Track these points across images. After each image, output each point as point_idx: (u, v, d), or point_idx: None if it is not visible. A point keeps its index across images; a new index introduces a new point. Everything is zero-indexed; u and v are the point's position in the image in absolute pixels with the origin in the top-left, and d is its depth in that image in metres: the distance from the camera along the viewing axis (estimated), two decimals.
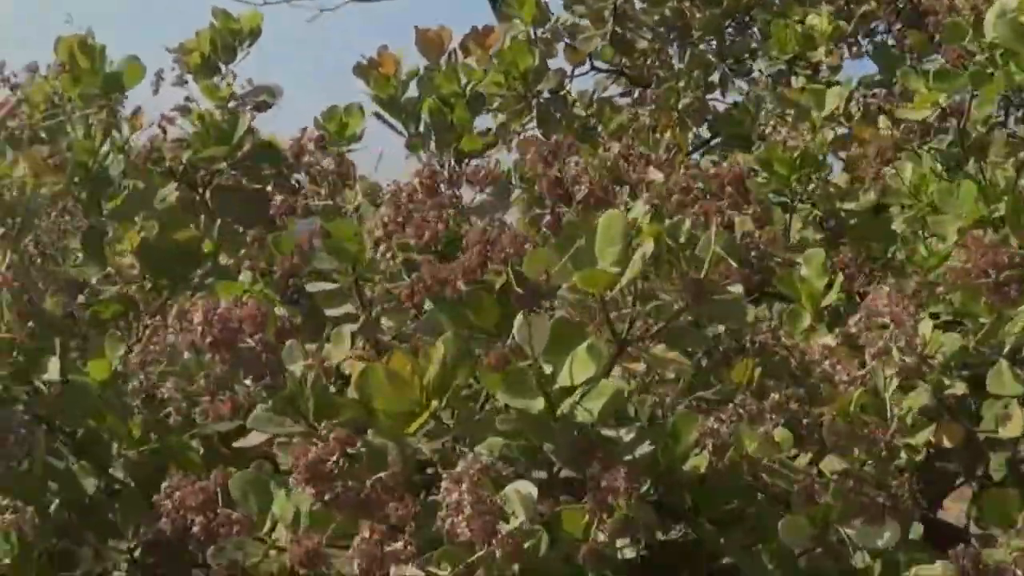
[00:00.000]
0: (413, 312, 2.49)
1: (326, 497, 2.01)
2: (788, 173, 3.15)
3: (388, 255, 2.29)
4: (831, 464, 2.46)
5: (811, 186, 3.18)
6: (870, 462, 2.39)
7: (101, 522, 2.50)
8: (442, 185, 2.22)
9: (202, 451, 2.67)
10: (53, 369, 2.45)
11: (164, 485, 2.13)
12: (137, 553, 2.55)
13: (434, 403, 2.15)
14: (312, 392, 2.22)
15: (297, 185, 3.66)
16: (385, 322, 2.58)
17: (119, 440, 2.60)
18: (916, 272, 2.97)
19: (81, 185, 2.77)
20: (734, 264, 2.15)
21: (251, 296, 2.91)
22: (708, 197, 2.26)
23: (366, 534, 1.82)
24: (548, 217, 2.12)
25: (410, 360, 2.19)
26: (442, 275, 2.18)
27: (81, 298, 2.91)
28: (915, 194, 2.93)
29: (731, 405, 2.47)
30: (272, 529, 2.20)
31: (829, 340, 2.78)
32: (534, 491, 2.00)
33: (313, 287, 2.65)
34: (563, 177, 2.08)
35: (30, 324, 2.43)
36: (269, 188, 3.63)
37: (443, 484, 1.93)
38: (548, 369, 2.08)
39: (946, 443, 2.77)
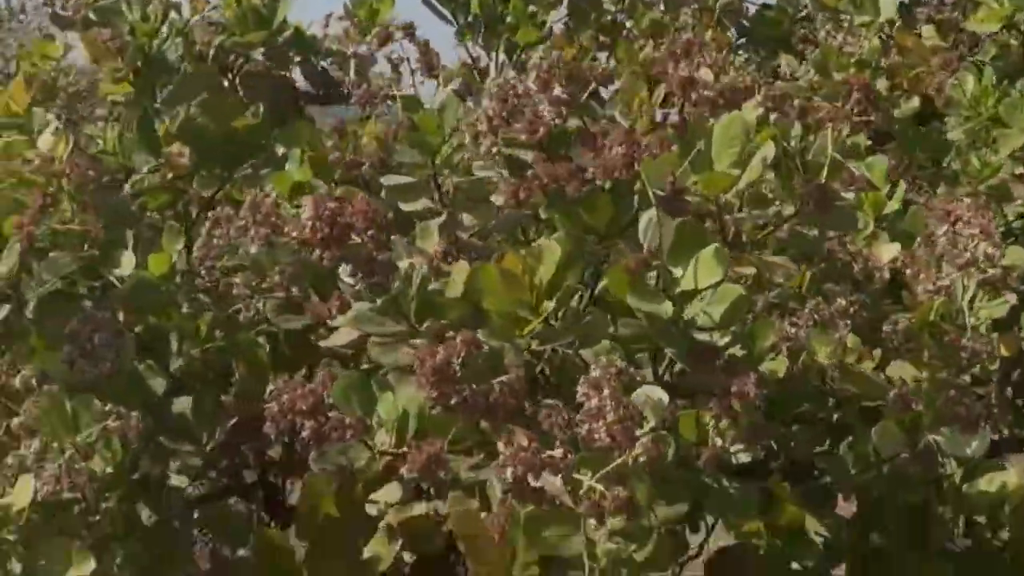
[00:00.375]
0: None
1: (453, 401, 1.96)
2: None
3: (494, 150, 2.21)
4: (900, 371, 2.47)
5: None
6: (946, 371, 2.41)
7: (173, 423, 2.42)
8: (558, 81, 2.14)
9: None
10: (127, 263, 2.35)
11: (270, 388, 2.06)
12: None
13: (548, 305, 2.10)
14: (417, 291, 2.16)
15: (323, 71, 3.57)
16: (467, 219, 2.53)
17: (185, 338, 2.51)
18: (970, 182, 2.98)
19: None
20: (856, 172, 2.13)
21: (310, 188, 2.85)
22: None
23: (523, 442, 1.78)
24: (675, 117, 2.06)
25: (522, 260, 2.14)
26: (559, 172, 2.11)
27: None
28: (975, 106, 2.92)
29: (806, 310, 2.46)
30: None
31: (893, 248, 2.78)
32: (664, 396, 1.97)
33: (388, 180, 2.57)
34: (694, 76, 2.03)
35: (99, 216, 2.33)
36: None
37: (580, 389, 1.89)
38: (678, 272, 2.04)
39: (1003, 352, 2.79)
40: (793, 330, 2.42)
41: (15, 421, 1.98)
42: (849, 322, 2.48)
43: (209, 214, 2.65)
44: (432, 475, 2.01)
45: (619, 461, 1.85)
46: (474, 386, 1.97)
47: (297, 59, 3.46)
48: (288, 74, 3.48)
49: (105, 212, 2.31)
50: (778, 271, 2.25)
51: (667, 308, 2.02)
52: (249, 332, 2.58)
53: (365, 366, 2.50)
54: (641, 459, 1.86)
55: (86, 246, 2.35)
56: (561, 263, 2.12)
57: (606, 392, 1.87)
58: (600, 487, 1.81)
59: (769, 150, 2.11)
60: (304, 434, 2.05)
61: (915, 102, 3.29)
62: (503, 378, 2.00)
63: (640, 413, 1.89)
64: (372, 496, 2.19)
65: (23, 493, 1.85)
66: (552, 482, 1.80)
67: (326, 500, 2.23)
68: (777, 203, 2.18)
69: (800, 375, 2.45)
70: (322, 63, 3.55)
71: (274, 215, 2.47)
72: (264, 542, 2.30)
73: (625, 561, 1.88)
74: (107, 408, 2.00)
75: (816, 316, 2.47)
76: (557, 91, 2.15)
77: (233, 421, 2.53)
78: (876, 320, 2.55)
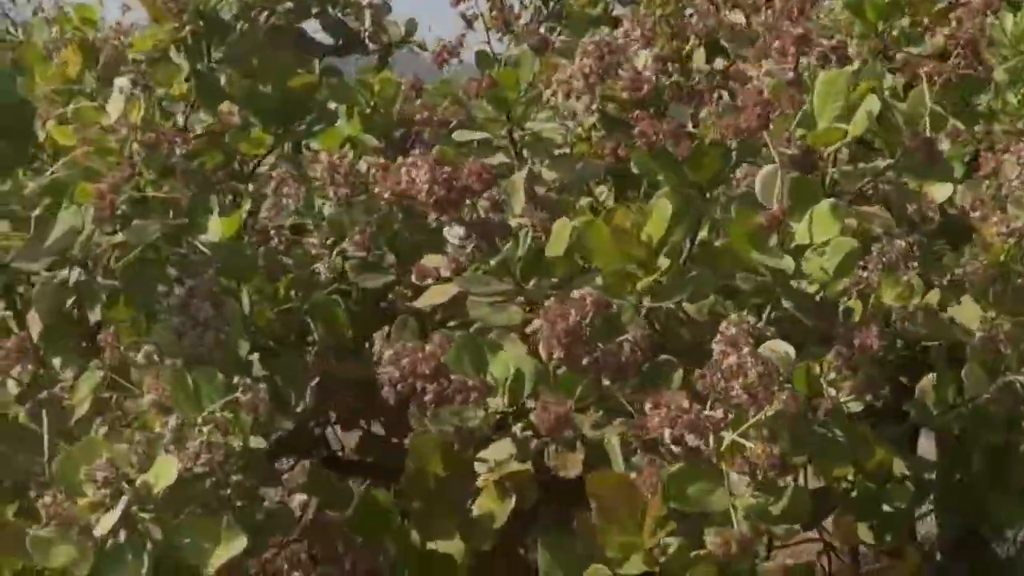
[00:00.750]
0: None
1: (584, 361, 1.98)
2: (876, 19, 3.15)
3: (592, 107, 2.21)
4: (965, 311, 2.51)
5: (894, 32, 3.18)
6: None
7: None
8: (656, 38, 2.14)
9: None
10: (214, 228, 2.31)
11: (388, 353, 2.05)
12: None
13: (663, 261, 2.11)
14: (526, 250, 2.16)
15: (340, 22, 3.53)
16: (547, 174, 2.52)
17: (263, 300, 2.48)
18: (1011, 120, 3.02)
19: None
20: (961, 126, 2.17)
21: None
22: None
23: (683, 403, 1.79)
24: (791, 74, 2.07)
25: (631, 216, 2.15)
26: (667, 130, 2.12)
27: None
28: (1016, 44, 2.97)
29: (874, 253, 2.50)
30: None
31: (946, 188, 2.82)
32: (791, 349, 2.00)
33: (462, 135, 2.56)
34: (810, 34, 2.03)
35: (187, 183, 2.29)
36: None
37: (717, 347, 1.91)
38: (794, 227, 2.06)
39: None
40: (864, 273, 2.45)
41: (147, 399, 1.95)
42: (915, 263, 2.52)
43: (273, 174, 2.62)
44: (558, 433, 2.03)
45: (756, 418, 1.87)
46: (601, 345, 1.99)
47: (315, 11, 3.42)
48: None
49: (187, 177, 2.27)
50: (876, 221, 2.28)
51: (790, 263, 2.05)
52: (323, 292, 2.56)
53: (452, 324, 2.52)
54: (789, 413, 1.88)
55: (171, 213, 2.30)
56: (672, 220, 2.13)
57: (745, 350, 1.89)
58: (753, 445, 1.83)
59: (874, 104, 2.13)
60: (427, 398, 2.05)
61: (939, 39, 3.32)
62: (628, 336, 2.01)
63: (777, 368, 1.91)
64: (481, 455, 2.20)
65: (166, 472, 1.83)
66: (702, 441, 1.82)
67: (433, 461, 2.23)
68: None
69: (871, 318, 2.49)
70: (338, 13, 3.51)
71: (353, 175, 2.46)
72: (368, 504, 2.29)
73: (764, 515, 1.91)
74: (235, 380, 1.97)
75: (883, 259, 2.50)
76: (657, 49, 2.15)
77: (315, 381, 2.52)
78: (929, 260, 2.60)
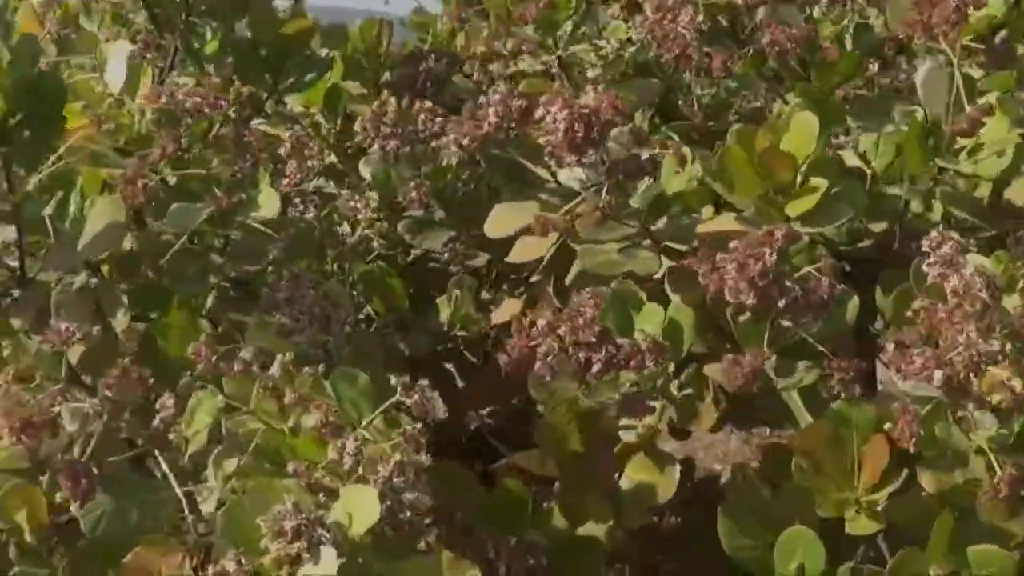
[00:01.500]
0: None
1: (781, 303, 1.75)
2: None
3: (699, 19, 1.96)
4: None
5: None
6: None
7: None
8: None
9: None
10: (267, 204, 1.96)
11: (541, 323, 1.77)
12: None
13: (818, 181, 1.89)
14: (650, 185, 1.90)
15: None
16: None
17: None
18: None
19: None
20: None
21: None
22: None
23: (961, 338, 1.58)
24: None
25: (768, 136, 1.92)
26: (800, 37, 1.90)
27: None
28: None
29: None
30: None
31: None
32: (987, 262, 1.82)
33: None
34: None
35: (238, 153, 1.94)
36: None
37: (932, 269, 1.70)
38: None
39: None
40: None
41: (310, 421, 1.60)
42: None
43: (286, 136, 2.27)
44: (749, 387, 1.80)
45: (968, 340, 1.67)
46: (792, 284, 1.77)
47: None
48: None
49: (247, 148, 1.92)
50: None
51: (966, 167, 1.86)
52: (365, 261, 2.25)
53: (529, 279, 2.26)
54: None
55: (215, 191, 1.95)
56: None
57: (966, 270, 1.69)
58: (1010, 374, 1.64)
59: None
60: (595, 368, 1.79)
61: None
62: (812, 268, 1.79)
63: (1000, 286, 1.72)
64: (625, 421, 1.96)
65: (366, 507, 1.50)
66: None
67: (572, 436, 1.96)
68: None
69: None
70: None
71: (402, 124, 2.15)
72: (504, 495, 2.01)
73: (1004, 448, 1.74)
74: (393, 381, 1.65)
75: None
76: None
77: None
78: None
